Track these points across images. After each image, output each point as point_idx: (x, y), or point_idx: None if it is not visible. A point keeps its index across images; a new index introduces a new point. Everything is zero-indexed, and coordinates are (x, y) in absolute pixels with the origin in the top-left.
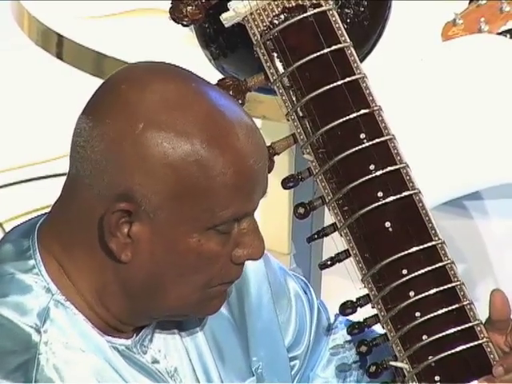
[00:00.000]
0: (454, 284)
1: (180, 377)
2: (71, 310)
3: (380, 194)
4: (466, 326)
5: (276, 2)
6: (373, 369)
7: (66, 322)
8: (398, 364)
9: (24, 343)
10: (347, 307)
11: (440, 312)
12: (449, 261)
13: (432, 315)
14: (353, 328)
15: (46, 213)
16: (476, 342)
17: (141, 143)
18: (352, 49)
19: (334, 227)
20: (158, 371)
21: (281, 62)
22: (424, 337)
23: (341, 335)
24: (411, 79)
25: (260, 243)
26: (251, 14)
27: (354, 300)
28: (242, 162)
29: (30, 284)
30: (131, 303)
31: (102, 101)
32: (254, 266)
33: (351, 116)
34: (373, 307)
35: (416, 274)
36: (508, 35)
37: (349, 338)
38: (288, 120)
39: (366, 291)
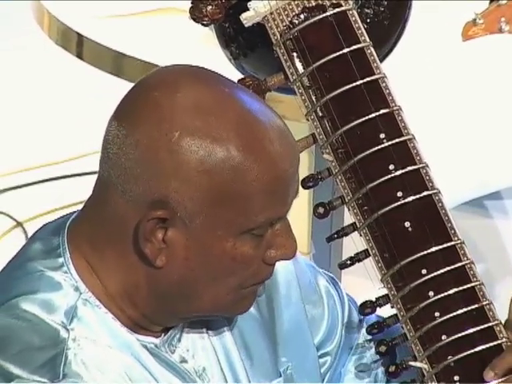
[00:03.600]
0: (473, 284)
1: (208, 376)
2: (99, 308)
3: (399, 193)
4: (486, 326)
5: (296, 2)
6: (392, 368)
7: (94, 321)
8: (417, 364)
9: (52, 339)
10: (367, 307)
11: (459, 312)
12: (468, 261)
13: (451, 315)
14: (372, 328)
15: (74, 211)
16: (495, 342)
17: (176, 151)
18: (372, 49)
19: (353, 227)
20: (186, 370)
21: (300, 61)
22: (443, 337)
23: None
24: (431, 79)
25: (293, 243)
26: (271, 13)
27: (374, 300)
28: (277, 166)
29: (59, 281)
30: (163, 305)
31: (134, 108)
32: (283, 265)
33: (371, 116)
34: (392, 307)
35: (435, 273)
36: None
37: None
38: (307, 120)
39: (385, 291)
